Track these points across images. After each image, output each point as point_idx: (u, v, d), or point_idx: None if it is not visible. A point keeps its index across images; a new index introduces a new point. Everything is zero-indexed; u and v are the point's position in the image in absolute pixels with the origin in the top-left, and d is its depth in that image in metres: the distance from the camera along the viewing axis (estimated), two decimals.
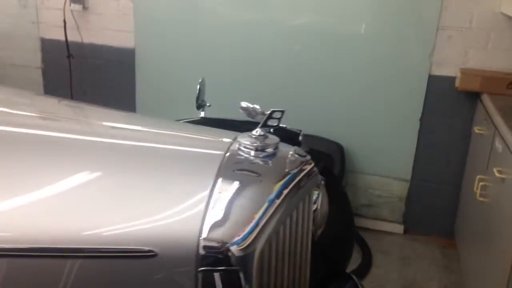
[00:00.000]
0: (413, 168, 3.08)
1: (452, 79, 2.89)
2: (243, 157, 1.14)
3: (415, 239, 3.11)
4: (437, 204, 3.08)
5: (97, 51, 3.40)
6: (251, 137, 1.16)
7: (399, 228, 3.18)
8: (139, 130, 1.28)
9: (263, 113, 1.17)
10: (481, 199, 2.36)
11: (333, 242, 1.86)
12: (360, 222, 3.20)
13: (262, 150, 1.15)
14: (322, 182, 1.56)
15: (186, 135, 1.26)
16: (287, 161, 1.16)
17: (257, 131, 1.16)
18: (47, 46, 3.50)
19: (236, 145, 1.15)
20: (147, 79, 3.39)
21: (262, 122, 1.16)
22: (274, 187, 1.09)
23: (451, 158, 3.01)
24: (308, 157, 1.22)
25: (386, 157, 3.11)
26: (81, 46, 3.39)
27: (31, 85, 3.56)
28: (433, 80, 2.93)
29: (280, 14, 3.07)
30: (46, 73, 3.58)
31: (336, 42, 3.02)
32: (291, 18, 3.06)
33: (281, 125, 2.06)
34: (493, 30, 2.78)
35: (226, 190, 1.04)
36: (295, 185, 1.12)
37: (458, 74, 2.85)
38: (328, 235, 1.70)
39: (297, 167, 1.16)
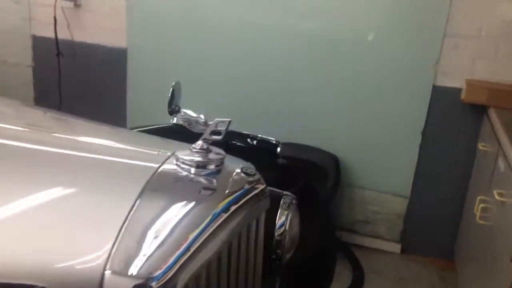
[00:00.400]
0: (413, 184, 2.90)
1: (457, 91, 2.71)
2: (182, 174, 0.99)
3: (412, 259, 2.92)
4: (437, 223, 2.89)
5: (88, 50, 3.28)
6: (191, 151, 1.01)
7: (395, 247, 3.00)
8: (68, 139, 1.13)
9: (205, 124, 1.02)
10: (481, 221, 2.18)
11: (309, 265, 1.72)
12: (355, 239, 3.03)
13: (204, 166, 1.00)
14: (294, 201, 1.42)
15: (121, 146, 1.11)
16: (231, 180, 1.00)
17: (198, 145, 1.01)
18: (38, 44, 3.39)
19: (173, 160, 1.00)
20: (139, 81, 3.26)
21: (204, 134, 1.00)
22: (213, 209, 0.94)
23: (454, 175, 2.81)
24: (258, 176, 1.06)
25: (385, 171, 2.94)
26: (71, 44, 3.28)
27: (21, 84, 3.46)
28: (437, 91, 2.75)
29: (283, 20, 2.90)
30: (36, 71, 3.46)
31: (336, 49, 2.85)
32: (292, 24, 2.90)
33: (259, 135, 1.93)
34: (502, 39, 2.60)
35: (151, 213, 0.89)
36: (237, 208, 0.96)
37: (464, 86, 2.67)
38: (303, 258, 1.56)
39: (243, 188, 1.00)
